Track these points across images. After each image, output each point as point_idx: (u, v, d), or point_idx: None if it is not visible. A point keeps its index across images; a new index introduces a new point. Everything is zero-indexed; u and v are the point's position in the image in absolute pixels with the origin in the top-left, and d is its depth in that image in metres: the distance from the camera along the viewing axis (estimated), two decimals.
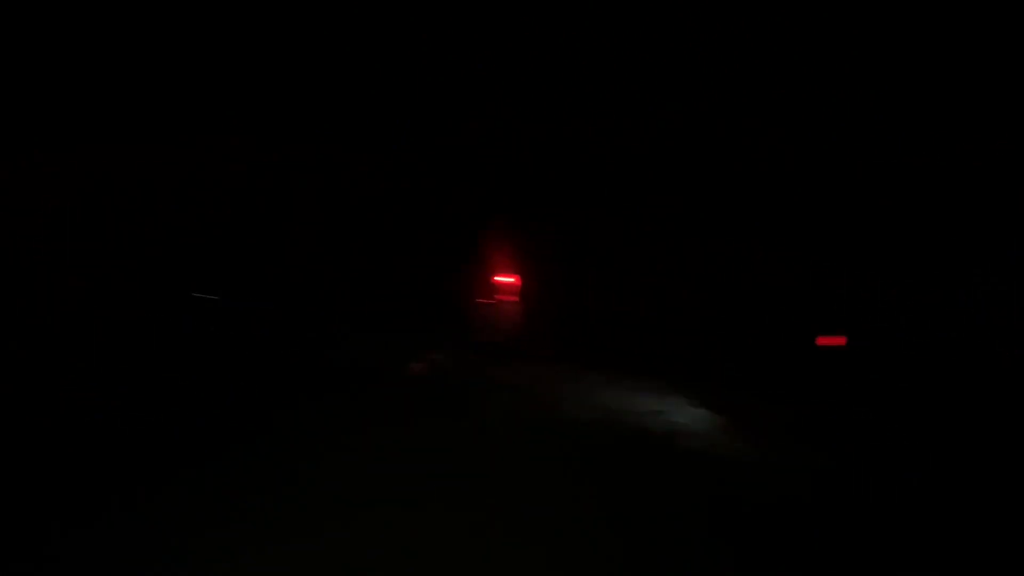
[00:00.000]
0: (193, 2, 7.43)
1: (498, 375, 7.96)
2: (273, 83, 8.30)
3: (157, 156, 7.91)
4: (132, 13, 7.27)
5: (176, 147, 7.96)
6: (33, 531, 3.04)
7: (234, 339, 7.07)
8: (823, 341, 5.84)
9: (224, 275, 8.01)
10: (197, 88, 7.95)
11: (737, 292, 7.03)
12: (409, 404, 5.82)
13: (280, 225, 8.55)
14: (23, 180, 7.29)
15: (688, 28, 6.48)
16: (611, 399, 6.57)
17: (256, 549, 2.96)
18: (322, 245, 9.03)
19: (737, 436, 5.53)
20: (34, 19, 7.07)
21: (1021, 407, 4.97)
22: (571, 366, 8.23)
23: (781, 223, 6.74)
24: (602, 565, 3.21)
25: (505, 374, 8.07)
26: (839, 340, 5.80)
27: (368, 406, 5.52)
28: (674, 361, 7.28)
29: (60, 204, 7.32)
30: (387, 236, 10.01)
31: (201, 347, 6.65)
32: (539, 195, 10.53)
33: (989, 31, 5.24)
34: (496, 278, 13.41)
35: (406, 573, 2.92)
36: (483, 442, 4.96)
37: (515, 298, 13.32)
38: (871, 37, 5.67)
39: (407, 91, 8.47)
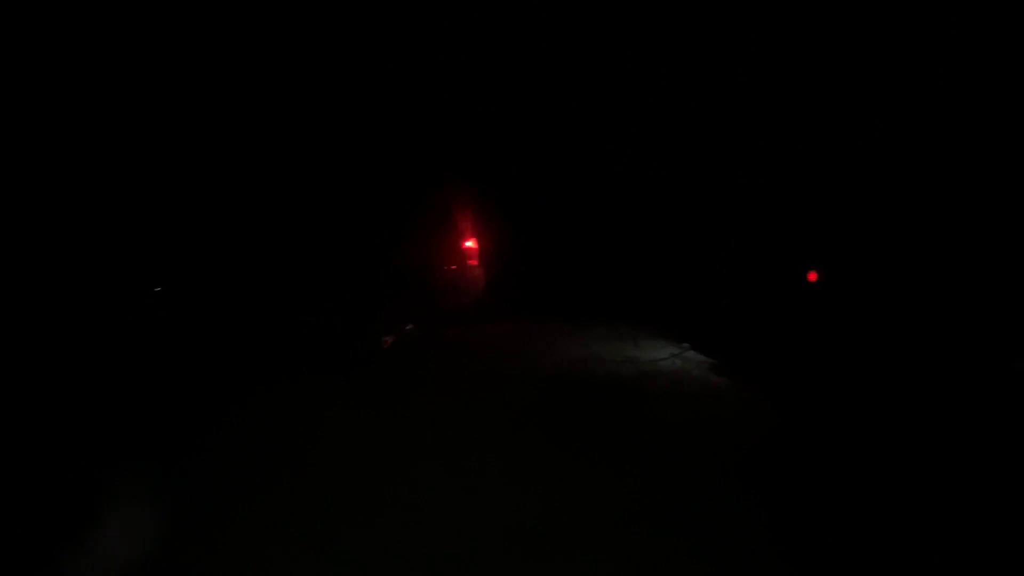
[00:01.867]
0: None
1: (479, 336, 7.79)
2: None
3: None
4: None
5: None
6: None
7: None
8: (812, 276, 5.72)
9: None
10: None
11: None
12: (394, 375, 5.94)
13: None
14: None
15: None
16: (590, 348, 6.49)
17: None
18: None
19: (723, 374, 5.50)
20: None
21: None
22: (543, 322, 8.08)
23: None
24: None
25: (485, 334, 7.90)
26: (812, 275, 5.70)
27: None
28: (652, 312, 7.17)
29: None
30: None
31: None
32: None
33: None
34: (462, 244, 13.27)
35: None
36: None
37: (476, 262, 13.18)
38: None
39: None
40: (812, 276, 5.67)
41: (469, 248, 13.13)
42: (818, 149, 5.70)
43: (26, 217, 6.52)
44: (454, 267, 12.33)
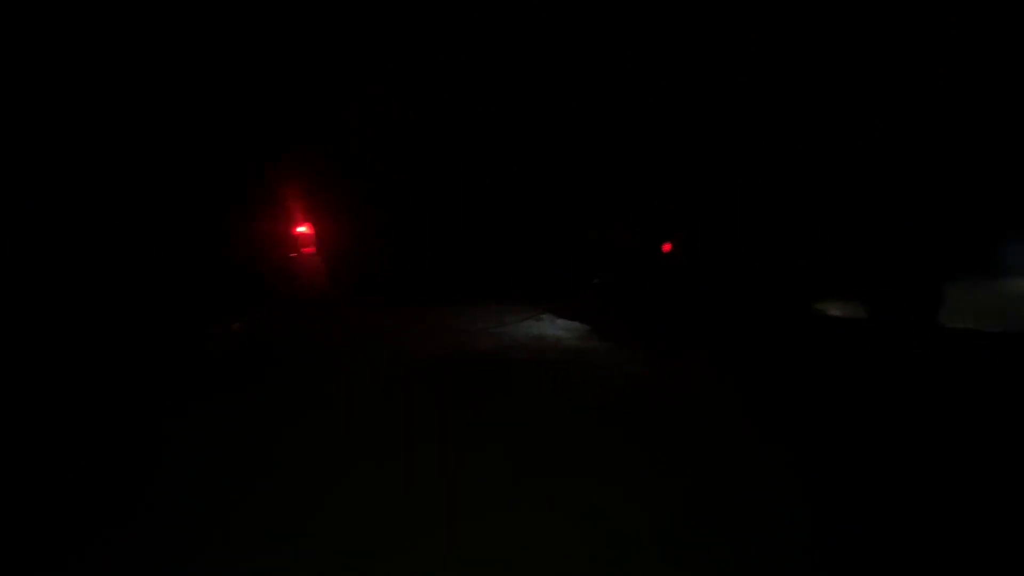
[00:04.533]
0: None
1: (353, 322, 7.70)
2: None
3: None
4: None
5: None
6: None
7: None
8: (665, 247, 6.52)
9: None
10: None
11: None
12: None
13: None
14: None
15: None
16: (459, 326, 6.72)
17: None
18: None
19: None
20: None
21: None
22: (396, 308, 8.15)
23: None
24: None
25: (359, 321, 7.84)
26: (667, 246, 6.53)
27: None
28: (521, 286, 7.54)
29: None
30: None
31: None
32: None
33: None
34: (294, 230, 12.49)
35: None
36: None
37: (312, 249, 12.56)
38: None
39: None
40: (666, 247, 6.55)
41: (303, 234, 12.46)
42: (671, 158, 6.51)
43: None
44: (293, 255, 11.68)
